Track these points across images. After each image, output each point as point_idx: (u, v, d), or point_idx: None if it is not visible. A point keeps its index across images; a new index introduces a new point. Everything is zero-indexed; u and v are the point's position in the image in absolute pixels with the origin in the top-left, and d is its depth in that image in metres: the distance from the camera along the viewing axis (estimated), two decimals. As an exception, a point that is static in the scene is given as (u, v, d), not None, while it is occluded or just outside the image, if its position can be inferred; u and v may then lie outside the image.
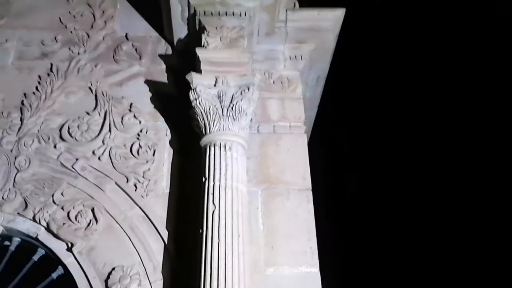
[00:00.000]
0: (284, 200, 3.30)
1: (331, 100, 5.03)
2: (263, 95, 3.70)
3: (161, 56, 3.79)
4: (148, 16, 3.93)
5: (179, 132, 3.46)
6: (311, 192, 3.36)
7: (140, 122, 3.50)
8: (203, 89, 3.16)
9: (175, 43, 3.75)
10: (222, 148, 3.02)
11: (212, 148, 3.03)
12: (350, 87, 7.02)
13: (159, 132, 3.47)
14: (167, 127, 3.49)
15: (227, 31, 3.46)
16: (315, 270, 3.07)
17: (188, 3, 3.50)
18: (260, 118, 3.61)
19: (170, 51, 3.81)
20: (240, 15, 3.50)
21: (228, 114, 3.12)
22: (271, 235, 3.16)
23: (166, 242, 3.05)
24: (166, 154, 3.39)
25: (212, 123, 3.10)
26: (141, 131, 3.46)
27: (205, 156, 3.04)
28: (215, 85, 3.18)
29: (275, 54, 3.86)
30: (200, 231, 2.83)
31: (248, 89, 3.17)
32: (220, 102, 3.15)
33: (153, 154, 3.36)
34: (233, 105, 3.13)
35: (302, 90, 3.98)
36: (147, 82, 3.68)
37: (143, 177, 3.28)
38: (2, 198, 3.15)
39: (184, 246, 3.01)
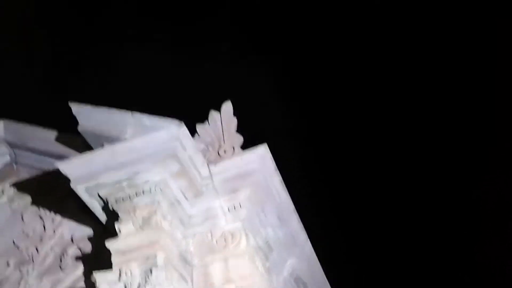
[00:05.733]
0: None
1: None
2: (205, 261, 3.42)
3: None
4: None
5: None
6: None
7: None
8: (108, 287, 2.93)
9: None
10: None
11: None
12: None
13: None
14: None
15: (140, 212, 3.31)
16: None
17: (98, 195, 3.43)
18: (204, 288, 3.28)
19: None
20: (150, 191, 3.35)
21: (135, 310, 2.83)
22: None
23: None
24: None
25: None
26: None
27: None
28: (119, 279, 2.95)
29: (213, 211, 3.62)
30: None
31: (151, 273, 2.90)
32: (127, 298, 2.89)
33: None
34: None
35: (263, 236, 3.65)
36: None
37: None
38: None
39: None
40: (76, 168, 3.40)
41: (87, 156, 3.41)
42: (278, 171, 3.76)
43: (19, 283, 3.74)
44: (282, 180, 3.84)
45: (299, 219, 4.11)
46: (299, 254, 4.22)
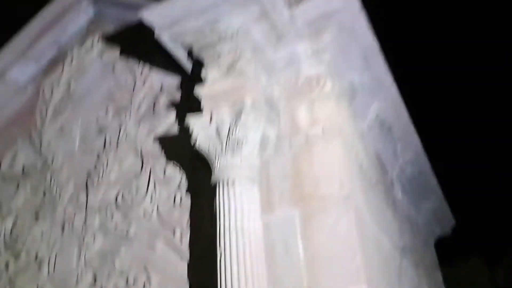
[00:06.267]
0: (322, 217, 3.01)
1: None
2: (292, 105, 3.47)
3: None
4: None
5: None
6: (350, 200, 3.00)
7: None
8: (200, 129, 3.09)
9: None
10: (225, 186, 2.90)
11: (217, 188, 2.94)
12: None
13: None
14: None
15: (224, 58, 3.33)
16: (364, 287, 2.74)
17: (183, 43, 3.46)
18: (290, 130, 3.37)
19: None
20: (232, 36, 3.32)
21: (227, 148, 2.99)
22: (313, 260, 2.91)
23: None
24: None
25: (214, 161, 3.01)
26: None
27: (214, 197, 2.97)
28: (211, 121, 3.08)
29: (296, 55, 3.56)
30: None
31: (240, 116, 2.99)
32: (219, 138, 3.03)
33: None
34: (229, 137, 2.99)
35: (348, 80, 3.63)
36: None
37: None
38: (77, 277, 3.52)
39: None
40: (158, 16, 3.40)
41: (168, 3, 3.39)
42: (363, 11, 3.56)
43: (119, 129, 4.03)
44: (368, 20, 3.65)
45: (385, 62, 3.98)
46: (384, 97, 4.16)
